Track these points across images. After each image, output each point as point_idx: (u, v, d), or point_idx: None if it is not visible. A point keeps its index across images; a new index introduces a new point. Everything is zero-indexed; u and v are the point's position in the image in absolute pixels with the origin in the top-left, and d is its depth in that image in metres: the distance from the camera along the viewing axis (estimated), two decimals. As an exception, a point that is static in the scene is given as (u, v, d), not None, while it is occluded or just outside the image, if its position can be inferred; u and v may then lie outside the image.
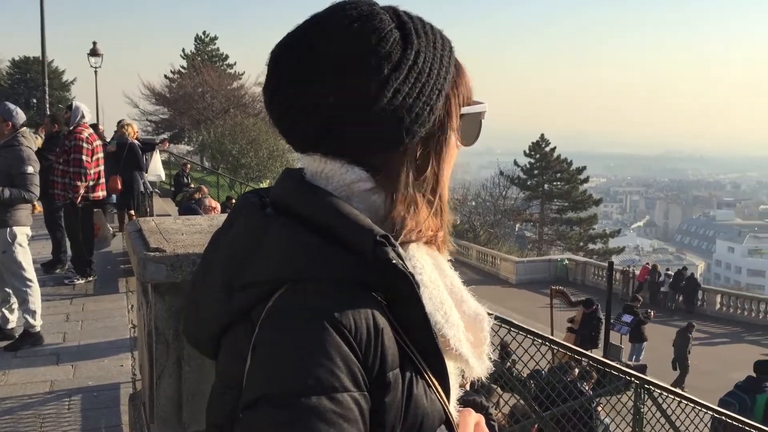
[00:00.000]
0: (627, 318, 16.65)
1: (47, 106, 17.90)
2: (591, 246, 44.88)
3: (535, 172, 46.33)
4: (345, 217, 0.86)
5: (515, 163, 47.74)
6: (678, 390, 5.57)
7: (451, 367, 1.00)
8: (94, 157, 7.91)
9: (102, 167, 8.19)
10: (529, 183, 46.36)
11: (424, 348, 0.89)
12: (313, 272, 0.84)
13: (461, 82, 0.98)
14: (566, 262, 32.14)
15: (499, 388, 6.16)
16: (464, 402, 1.11)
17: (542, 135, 46.84)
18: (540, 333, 4.39)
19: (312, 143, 0.94)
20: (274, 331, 0.83)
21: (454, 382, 1.02)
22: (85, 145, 7.72)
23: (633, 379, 5.08)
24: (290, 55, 0.92)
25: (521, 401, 4.99)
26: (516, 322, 4.21)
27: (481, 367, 1.01)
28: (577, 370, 7.65)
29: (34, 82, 41.04)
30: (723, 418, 5.90)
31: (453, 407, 1.02)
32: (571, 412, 5.12)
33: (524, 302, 24.54)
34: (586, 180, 47.67)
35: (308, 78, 0.90)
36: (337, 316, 0.80)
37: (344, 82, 0.88)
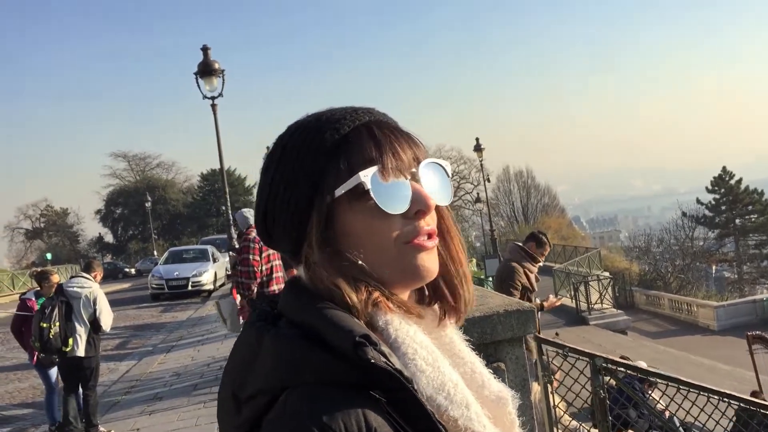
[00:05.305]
0: None
1: (229, 212, 19.72)
2: (802, 280, 40.45)
3: (723, 207, 42.98)
4: (324, 319, 0.88)
5: (698, 201, 44.65)
6: None
7: None
8: (264, 254, 8.61)
9: (276, 262, 8.83)
10: (717, 220, 43.00)
11: None
12: (302, 379, 0.85)
13: (342, 167, 0.96)
14: (774, 300, 29.19)
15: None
16: None
17: (724, 168, 43.59)
18: (705, 386, 4.06)
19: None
20: None
21: None
22: (251, 245, 8.48)
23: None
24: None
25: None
26: (678, 377, 3.95)
27: None
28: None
29: (221, 191, 45.70)
30: None
31: None
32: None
33: (730, 350, 22.33)
34: (784, 208, 43.39)
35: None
36: (325, 420, 0.80)
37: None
